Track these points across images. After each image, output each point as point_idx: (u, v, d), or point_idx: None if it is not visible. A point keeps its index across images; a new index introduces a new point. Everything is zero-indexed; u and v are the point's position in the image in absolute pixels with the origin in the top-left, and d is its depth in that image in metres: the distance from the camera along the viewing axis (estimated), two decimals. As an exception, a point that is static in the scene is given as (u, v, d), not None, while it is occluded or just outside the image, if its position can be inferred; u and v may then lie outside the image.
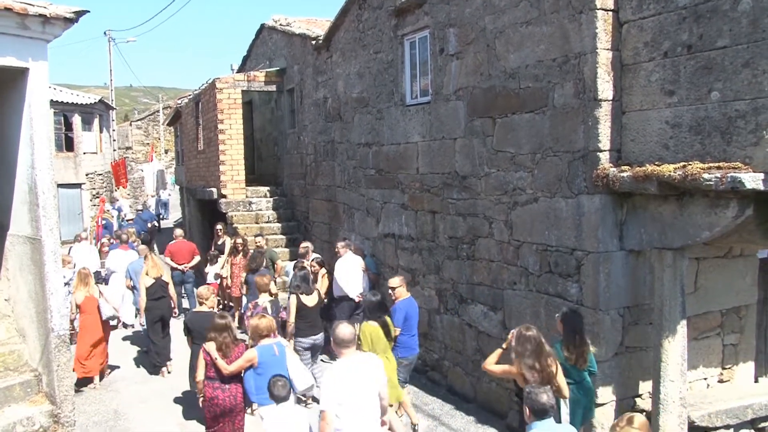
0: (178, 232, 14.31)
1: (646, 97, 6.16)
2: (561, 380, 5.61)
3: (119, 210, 25.67)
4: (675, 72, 5.86)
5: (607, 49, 6.33)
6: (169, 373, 10.05)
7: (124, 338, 12.19)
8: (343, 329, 5.23)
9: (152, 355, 10.20)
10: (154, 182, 32.58)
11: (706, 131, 5.62)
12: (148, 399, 9.04)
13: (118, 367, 10.49)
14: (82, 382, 9.39)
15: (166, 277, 10.48)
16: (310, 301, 8.39)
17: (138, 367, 10.51)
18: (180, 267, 13.19)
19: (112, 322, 9.91)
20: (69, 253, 13.46)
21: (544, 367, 5.45)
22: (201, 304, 8.00)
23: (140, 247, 12.46)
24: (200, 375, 6.47)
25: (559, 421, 5.49)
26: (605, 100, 6.35)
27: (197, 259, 13.49)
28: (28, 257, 6.42)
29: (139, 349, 11.26)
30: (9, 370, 6.39)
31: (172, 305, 10.38)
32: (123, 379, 9.95)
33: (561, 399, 5.66)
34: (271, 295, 8.65)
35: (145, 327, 10.24)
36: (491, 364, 5.90)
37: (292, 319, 8.29)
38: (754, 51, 5.23)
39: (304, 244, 11.41)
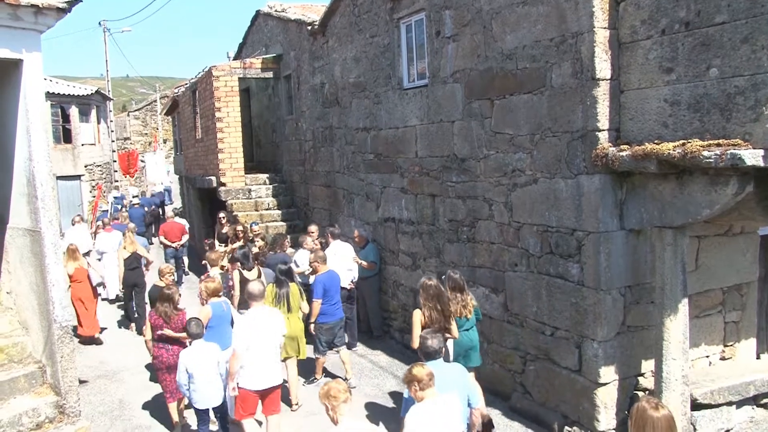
0: (170, 213, 16.95)
1: (644, 76, 6.13)
2: (453, 324, 6.77)
3: (122, 198, 25.76)
4: (673, 49, 5.82)
5: (604, 28, 6.28)
6: (133, 330, 11.93)
7: (126, 326, 12.41)
8: (253, 285, 6.73)
9: (127, 316, 12.34)
10: (158, 171, 32.65)
11: (705, 108, 5.59)
12: (152, 387, 9.07)
13: (106, 328, 12.26)
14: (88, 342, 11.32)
15: (141, 251, 12.22)
16: (251, 275, 9.14)
17: (141, 356, 10.54)
18: (172, 244, 15.15)
19: (99, 289, 11.80)
20: (63, 235, 14.51)
21: (443, 308, 6.66)
22: (160, 279, 9.07)
23: (129, 225, 13.94)
24: (147, 335, 7.72)
25: (448, 360, 6.49)
26: (603, 80, 6.31)
27: (186, 237, 15.57)
28: (29, 249, 6.41)
29: (141, 339, 11.32)
30: (13, 363, 6.40)
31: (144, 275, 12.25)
32: (127, 369, 10.00)
33: (451, 340, 6.82)
34: (221, 268, 9.97)
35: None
36: (415, 338, 6.59)
37: (237, 292, 9.01)
38: (753, 26, 5.19)
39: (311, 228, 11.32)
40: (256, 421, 6.96)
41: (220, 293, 7.98)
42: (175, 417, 7.63)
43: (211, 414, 6.99)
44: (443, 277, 7.23)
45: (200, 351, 6.75)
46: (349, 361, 8.98)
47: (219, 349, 6.94)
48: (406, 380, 5.03)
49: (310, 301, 8.63)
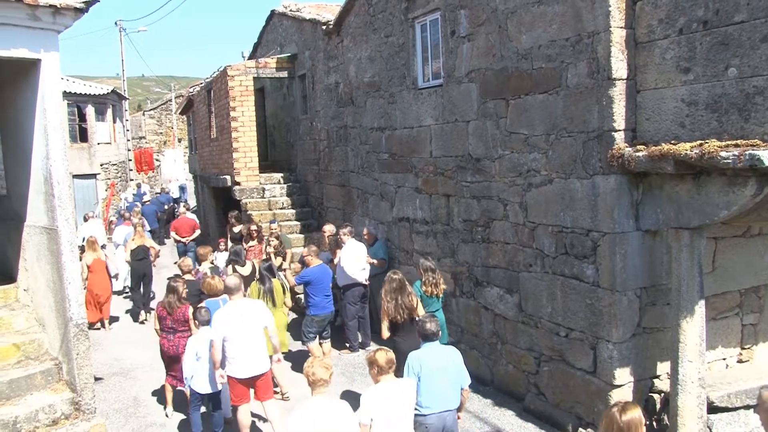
0: (182, 209, 17.65)
1: (661, 75, 6.08)
2: (420, 311, 7.14)
3: (143, 194, 26.03)
4: (690, 49, 5.77)
5: (621, 27, 6.24)
6: (146, 320, 12.50)
7: (140, 321, 12.63)
8: (230, 279, 7.05)
9: (136, 305, 13.01)
10: (176, 167, 32.88)
11: (723, 108, 5.53)
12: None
13: (117, 318, 12.94)
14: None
15: (148, 243, 13.08)
16: (245, 271, 9.66)
17: (155, 354, 10.59)
18: (182, 240, 15.78)
19: (115, 280, 12.83)
20: (78, 229, 15.33)
21: (404, 301, 7.00)
22: (184, 273, 9.37)
23: (133, 220, 14.88)
24: (156, 325, 8.28)
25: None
26: (619, 79, 6.27)
27: (198, 232, 16.13)
28: (45, 247, 6.47)
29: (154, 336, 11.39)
30: (30, 359, 6.47)
31: (152, 265, 13.12)
32: (141, 366, 10.06)
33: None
34: (211, 263, 10.59)
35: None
36: (384, 331, 7.11)
37: None
38: (772, 25, 5.12)
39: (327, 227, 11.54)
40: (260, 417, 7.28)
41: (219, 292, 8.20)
42: (169, 396, 8.23)
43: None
44: (420, 261, 7.89)
45: (207, 338, 7.05)
46: (329, 353, 9.41)
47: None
48: (368, 361, 5.35)
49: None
